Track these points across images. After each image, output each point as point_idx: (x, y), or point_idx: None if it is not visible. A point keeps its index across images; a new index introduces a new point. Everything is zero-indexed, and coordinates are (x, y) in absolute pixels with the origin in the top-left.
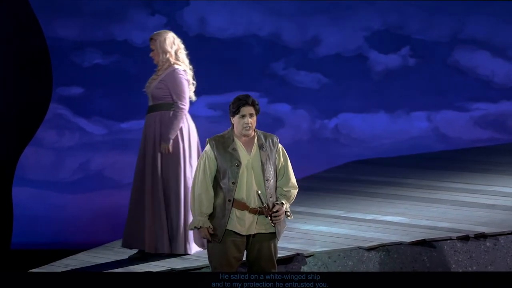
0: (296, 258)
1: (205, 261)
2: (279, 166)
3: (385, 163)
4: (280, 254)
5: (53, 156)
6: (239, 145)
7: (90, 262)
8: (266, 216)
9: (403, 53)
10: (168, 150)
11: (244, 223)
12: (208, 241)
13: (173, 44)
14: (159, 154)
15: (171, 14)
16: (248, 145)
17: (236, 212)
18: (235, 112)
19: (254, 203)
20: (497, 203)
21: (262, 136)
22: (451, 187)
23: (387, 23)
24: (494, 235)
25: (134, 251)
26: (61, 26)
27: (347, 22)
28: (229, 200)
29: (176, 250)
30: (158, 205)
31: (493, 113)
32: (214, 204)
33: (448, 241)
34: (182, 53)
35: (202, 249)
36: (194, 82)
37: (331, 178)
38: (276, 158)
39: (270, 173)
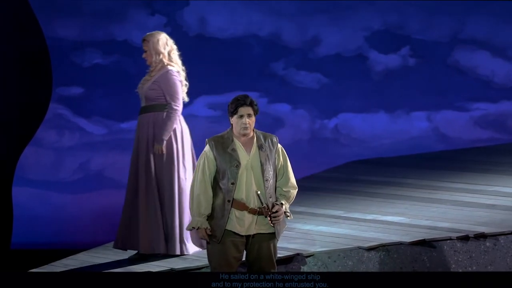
0: (296, 258)
1: (205, 261)
2: (279, 166)
3: (385, 163)
4: (280, 254)
5: (53, 156)
6: (239, 145)
7: (90, 262)
8: (266, 217)
9: (403, 53)
10: (162, 151)
11: (243, 224)
12: (207, 242)
13: (166, 45)
14: (152, 155)
15: (171, 14)
16: (248, 145)
17: (235, 213)
18: (233, 112)
19: (253, 203)
20: (497, 203)
21: (261, 136)
22: (451, 187)
23: (387, 23)
24: (494, 235)
25: (133, 252)
26: (61, 26)
27: (347, 22)
28: (229, 201)
29: (171, 250)
30: (153, 206)
31: (493, 113)
32: (213, 204)
33: (448, 241)
34: (175, 54)
35: (201, 249)
36: (187, 83)
37: (331, 178)
38: (275, 158)
39: (270, 173)
